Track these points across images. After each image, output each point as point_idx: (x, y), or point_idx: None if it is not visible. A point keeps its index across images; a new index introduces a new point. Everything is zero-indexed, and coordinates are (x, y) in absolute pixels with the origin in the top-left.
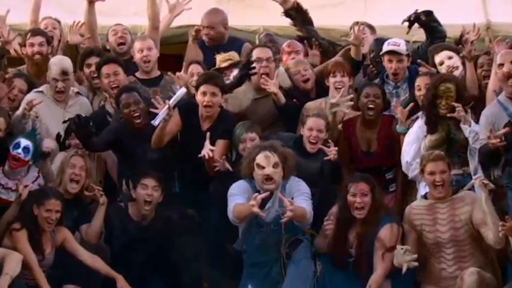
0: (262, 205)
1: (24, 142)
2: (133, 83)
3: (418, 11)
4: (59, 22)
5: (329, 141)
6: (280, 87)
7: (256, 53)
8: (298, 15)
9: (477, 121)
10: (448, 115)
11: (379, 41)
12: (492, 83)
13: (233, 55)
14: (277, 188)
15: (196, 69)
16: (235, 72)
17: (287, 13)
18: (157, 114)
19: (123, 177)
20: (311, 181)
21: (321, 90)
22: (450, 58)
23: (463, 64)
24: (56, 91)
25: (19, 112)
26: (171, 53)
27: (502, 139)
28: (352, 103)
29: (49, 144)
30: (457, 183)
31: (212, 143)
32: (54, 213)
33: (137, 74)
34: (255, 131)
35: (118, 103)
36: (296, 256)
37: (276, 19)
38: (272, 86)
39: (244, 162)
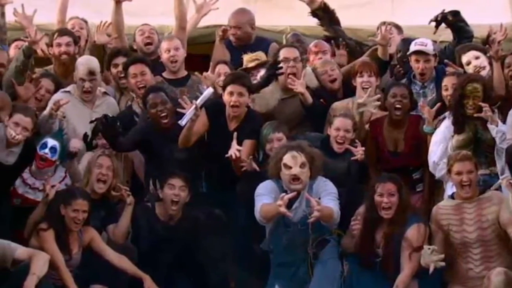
0: (289, 205)
1: (51, 142)
2: (160, 83)
3: (445, 11)
4: (86, 22)
5: (356, 141)
6: (307, 87)
7: (283, 53)
8: (325, 15)
9: (504, 121)
10: (475, 115)
11: (406, 41)
12: None
13: (260, 55)
14: (304, 188)
15: (223, 69)
16: (262, 72)
17: (314, 13)
18: (184, 114)
19: (150, 177)
20: (338, 181)
21: (348, 90)
22: (477, 58)
23: (490, 64)
24: (83, 91)
25: (46, 112)
26: (198, 53)
27: None
28: (379, 103)
29: (76, 144)
30: (484, 183)
31: (239, 143)
32: (81, 213)
33: (164, 74)
34: (282, 131)
35: (145, 103)
36: (323, 256)
37: (303, 19)
38: (299, 86)
39: (271, 162)
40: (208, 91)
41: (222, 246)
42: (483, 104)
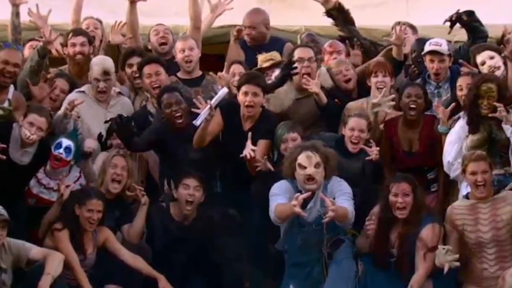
0: (304, 205)
1: (65, 142)
2: (174, 83)
3: (460, 11)
4: (100, 22)
5: (371, 141)
6: (322, 87)
7: (297, 53)
8: (340, 15)
9: None
10: (490, 115)
11: (421, 41)
12: None
13: (275, 55)
14: (319, 188)
15: (237, 69)
16: (276, 72)
17: (328, 13)
18: (198, 114)
19: (164, 177)
20: (352, 181)
21: (363, 90)
22: (491, 58)
23: (505, 64)
24: (98, 91)
25: (60, 112)
26: (213, 53)
27: None
28: (393, 103)
29: (90, 144)
30: (499, 183)
31: (254, 143)
32: (96, 213)
33: (178, 74)
34: (296, 131)
35: (160, 103)
36: (338, 256)
37: (318, 19)
38: (313, 86)
39: (286, 162)
40: (222, 91)
41: (237, 246)
42: (497, 104)
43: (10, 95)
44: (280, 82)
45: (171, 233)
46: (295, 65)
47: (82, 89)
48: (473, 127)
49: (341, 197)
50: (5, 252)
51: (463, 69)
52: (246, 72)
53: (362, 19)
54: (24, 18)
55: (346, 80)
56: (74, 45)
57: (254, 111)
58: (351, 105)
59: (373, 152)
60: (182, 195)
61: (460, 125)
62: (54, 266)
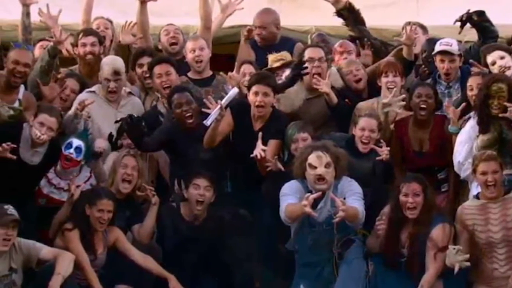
0: (314, 205)
1: (76, 142)
2: (185, 83)
3: (470, 11)
4: (111, 22)
5: (381, 141)
6: (332, 87)
7: (308, 53)
8: (350, 15)
9: None
10: (500, 115)
11: (431, 41)
12: None
13: (285, 55)
14: (329, 188)
15: (248, 69)
16: (287, 72)
17: (339, 13)
18: (209, 114)
19: (175, 177)
20: (363, 181)
21: (373, 90)
22: (502, 58)
23: None
24: (108, 91)
25: (71, 112)
26: (223, 53)
27: None
28: (404, 103)
29: (101, 144)
30: (509, 183)
31: (264, 143)
32: (106, 213)
33: (189, 74)
34: (307, 131)
35: (170, 103)
36: (348, 256)
37: (328, 19)
38: (324, 86)
39: (296, 162)
40: (233, 91)
41: (247, 246)
42: (508, 104)
43: (20, 95)
44: (291, 82)
45: (182, 233)
46: (306, 65)
47: (92, 89)
48: (483, 127)
49: (351, 197)
50: (15, 252)
51: (474, 69)
52: (256, 72)
53: (373, 19)
54: (35, 18)
55: (356, 80)
56: (84, 45)
57: (265, 111)
58: (362, 105)
59: (384, 152)
60: (193, 195)
61: (471, 125)
62: (64, 266)
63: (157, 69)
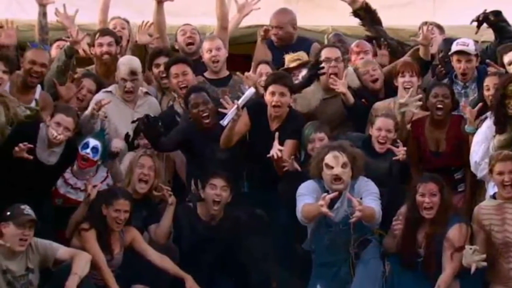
0: (331, 205)
1: (93, 142)
2: (202, 83)
3: (487, 11)
4: (127, 22)
5: (398, 141)
6: (349, 87)
7: (325, 53)
8: (367, 15)
9: None
10: None
11: (448, 41)
12: None
13: (302, 55)
14: (346, 188)
15: (265, 69)
16: (303, 72)
17: (356, 13)
18: (225, 114)
19: (191, 177)
20: (379, 181)
21: (390, 90)
22: None
23: None
24: (125, 91)
25: (88, 112)
26: (240, 53)
27: None
28: (420, 103)
29: (117, 144)
30: None
31: (281, 143)
32: (123, 213)
33: (205, 74)
34: (324, 131)
35: (187, 103)
36: (365, 256)
37: (345, 19)
38: (340, 86)
39: (313, 162)
40: (249, 91)
41: (264, 246)
42: None
43: (37, 95)
44: (307, 82)
45: (198, 233)
46: (322, 65)
47: (109, 89)
48: (500, 127)
49: (368, 197)
50: (32, 252)
51: (490, 69)
52: (273, 72)
53: (389, 19)
54: (51, 18)
55: (373, 80)
56: (101, 45)
57: (281, 111)
58: (378, 105)
59: (400, 152)
60: (209, 195)
61: (487, 125)
62: (81, 266)
63: (174, 69)
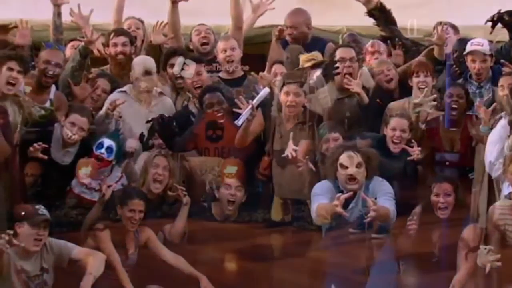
0: (346, 205)
1: (107, 142)
2: (216, 83)
3: (502, 11)
4: (142, 22)
5: (413, 141)
6: (364, 87)
7: (339, 53)
8: (381, 15)
9: None
10: None
11: (463, 41)
12: None
13: (317, 55)
14: (361, 188)
15: (279, 69)
16: (318, 72)
17: (370, 13)
18: (240, 114)
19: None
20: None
21: (405, 90)
22: None
23: None
24: (140, 91)
25: (102, 112)
26: (255, 53)
27: None
28: (435, 103)
29: (132, 144)
30: None
31: (296, 143)
32: (138, 213)
33: (220, 74)
34: (338, 131)
35: (202, 103)
36: (379, 256)
37: (360, 19)
38: (355, 86)
39: (328, 162)
40: (264, 91)
41: None
42: None
43: (51, 95)
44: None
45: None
46: (337, 65)
47: (123, 89)
48: None
49: (382, 197)
50: (47, 252)
51: (505, 69)
52: (287, 72)
53: (404, 19)
54: (66, 18)
55: (387, 80)
56: (115, 45)
57: (296, 111)
58: (393, 105)
59: (415, 152)
60: (224, 195)
61: (502, 125)
62: (96, 266)
63: None
